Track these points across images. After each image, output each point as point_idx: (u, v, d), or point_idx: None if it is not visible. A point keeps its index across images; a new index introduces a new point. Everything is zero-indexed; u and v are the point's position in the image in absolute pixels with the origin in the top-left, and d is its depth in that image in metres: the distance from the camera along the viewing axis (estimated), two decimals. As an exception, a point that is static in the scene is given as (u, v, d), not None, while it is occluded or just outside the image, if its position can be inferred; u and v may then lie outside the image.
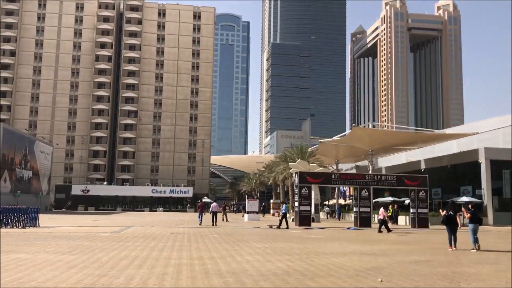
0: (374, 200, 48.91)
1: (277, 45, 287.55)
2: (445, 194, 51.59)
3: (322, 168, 56.53)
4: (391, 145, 57.55)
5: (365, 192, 37.12)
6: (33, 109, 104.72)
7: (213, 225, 34.23)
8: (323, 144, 62.25)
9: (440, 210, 19.66)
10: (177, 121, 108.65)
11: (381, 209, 30.75)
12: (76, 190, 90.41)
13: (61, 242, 17.73)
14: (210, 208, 37.61)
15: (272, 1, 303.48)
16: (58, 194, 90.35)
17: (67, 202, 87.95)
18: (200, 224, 34.66)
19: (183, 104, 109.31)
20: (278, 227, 32.18)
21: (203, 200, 48.36)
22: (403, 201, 50.07)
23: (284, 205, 35.41)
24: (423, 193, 37.24)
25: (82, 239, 19.31)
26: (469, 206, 19.46)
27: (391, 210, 41.34)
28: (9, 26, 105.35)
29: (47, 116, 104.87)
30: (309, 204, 37.37)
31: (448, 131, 67.57)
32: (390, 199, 52.92)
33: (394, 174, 43.51)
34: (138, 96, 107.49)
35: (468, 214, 17.88)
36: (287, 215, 34.16)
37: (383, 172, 61.41)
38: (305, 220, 35.65)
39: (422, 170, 54.11)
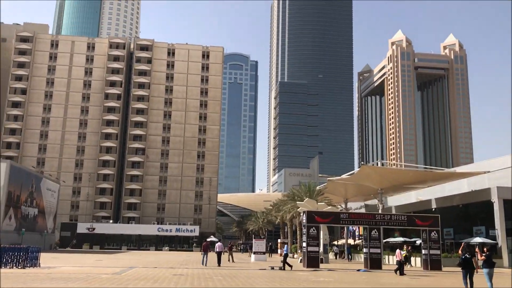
0: (384, 241, 47.68)
1: (285, 84, 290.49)
2: (457, 234, 50.21)
3: (330, 207, 55.51)
4: (401, 184, 56.62)
5: (375, 232, 36.12)
6: (42, 146, 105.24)
7: (218, 265, 33.26)
8: (332, 183, 61.43)
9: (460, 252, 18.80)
10: (185, 159, 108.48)
11: (398, 251, 29.88)
12: (82, 228, 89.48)
13: (59, 285, 17.01)
14: (215, 248, 36.74)
15: (280, 41, 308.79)
16: (63, 232, 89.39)
17: (72, 241, 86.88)
18: (204, 264, 33.71)
19: (191, 142, 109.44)
20: (282, 268, 31.20)
21: (208, 240, 47.34)
22: (414, 242, 48.73)
23: (285, 246, 34.57)
24: (435, 234, 36.15)
25: (81, 281, 18.57)
26: (484, 248, 18.59)
27: (405, 251, 40.14)
28: (21, 65, 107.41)
29: (55, 153, 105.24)
30: (318, 245, 36.36)
31: (458, 169, 66.57)
32: (400, 239, 51.58)
33: (404, 213, 42.46)
34: (146, 134, 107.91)
35: (483, 257, 17.01)
36: (288, 256, 33.25)
37: (393, 211, 60.20)
38: (313, 261, 34.57)
39: (433, 209, 52.92)
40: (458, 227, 51.07)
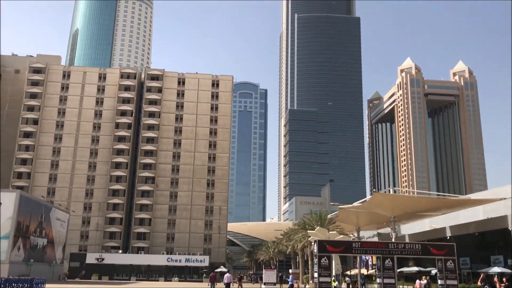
0: (398, 270, 46.28)
1: (294, 111, 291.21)
2: (474, 263, 48.66)
3: (342, 236, 54.34)
4: (414, 211, 55.44)
5: (389, 261, 35.02)
6: (52, 176, 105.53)
7: None
8: (343, 211, 60.39)
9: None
10: (194, 187, 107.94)
11: (418, 281, 28.92)
12: (91, 258, 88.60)
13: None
14: (224, 279, 35.87)
15: (289, 69, 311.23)
16: (72, 262, 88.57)
17: (81, 272, 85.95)
18: None
19: (201, 170, 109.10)
20: None
21: (217, 270, 46.40)
22: (430, 272, 47.25)
23: (290, 276, 33.65)
24: (451, 263, 34.93)
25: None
26: (503, 279, 17.68)
27: (425, 281, 38.78)
28: (33, 96, 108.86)
29: (66, 183, 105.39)
30: (330, 275, 35.26)
31: (473, 196, 65.18)
32: (415, 269, 50.13)
33: (419, 242, 41.27)
34: (156, 162, 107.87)
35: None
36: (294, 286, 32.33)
37: (407, 239, 58.79)
38: (325, 292, 33.44)
39: (448, 237, 51.54)
40: (474, 256, 49.54)
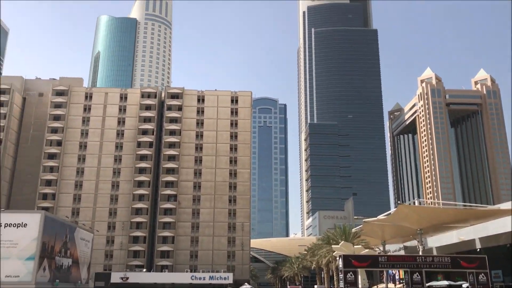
0: (427, 285, 44.91)
1: (315, 125, 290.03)
2: (507, 276, 46.97)
3: (368, 250, 53.23)
4: (441, 223, 54.07)
5: (417, 275, 34.10)
6: (76, 196, 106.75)
7: None
8: (368, 224, 59.28)
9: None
10: (216, 204, 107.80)
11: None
12: (116, 278, 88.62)
13: None
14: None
15: (308, 83, 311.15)
16: (97, 282, 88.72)
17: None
18: None
19: (222, 186, 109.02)
20: None
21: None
22: (461, 286, 45.75)
23: None
24: (483, 277, 33.82)
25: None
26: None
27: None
28: (57, 118, 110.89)
29: (89, 203, 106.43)
30: (356, 291, 34.41)
31: (502, 206, 63.26)
32: (445, 283, 48.52)
33: (448, 255, 40.12)
34: (178, 180, 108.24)
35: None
36: None
37: (434, 252, 57.26)
38: (352, 309, 32.60)
39: (478, 249, 49.97)
40: (507, 268, 47.87)
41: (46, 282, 62.57)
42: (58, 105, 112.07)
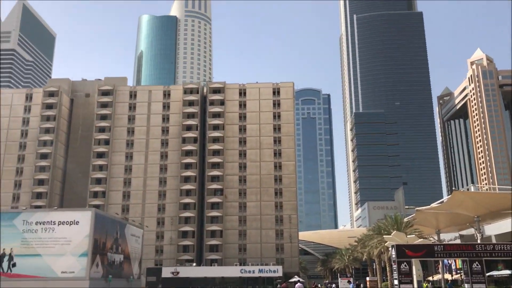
0: (487, 274, 42.31)
1: (360, 114, 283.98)
2: None
3: (421, 239, 50.81)
4: (499, 210, 50.83)
5: (477, 265, 31.87)
6: (126, 193, 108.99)
7: None
8: (421, 213, 56.74)
9: None
10: (262, 197, 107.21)
11: None
12: (166, 272, 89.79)
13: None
14: (296, 289, 34.58)
15: (352, 71, 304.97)
16: (149, 277, 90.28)
17: (157, 286, 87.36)
18: None
19: (267, 179, 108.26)
20: None
21: (292, 280, 44.88)
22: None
23: (351, 284, 31.45)
24: (551, 265, 31.12)
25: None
26: None
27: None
28: (104, 117, 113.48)
29: (139, 199, 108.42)
30: (411, 282, 32.59)
31: None
32: (507, 272, 45.68)
33: (510, 242, 37.41)
34: (223, 174, 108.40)
35: None
36: None
37: (493, 240, 54.06)
38: (408, 301, 30.89)
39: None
40: None
41: (100, 278, 64.04)
42: (104, 105, 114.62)
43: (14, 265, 61.54)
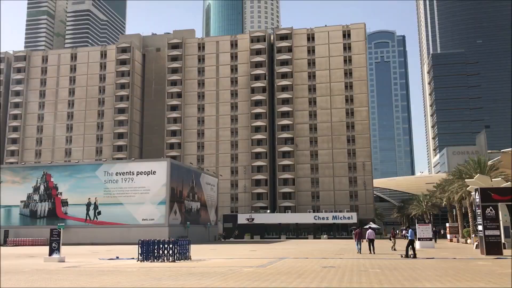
0: None
1: (438, 55, 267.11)
2: None
3: (509, 183, 47.24)
4: None
5: None
6: (200, 144, 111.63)
7: (370, 253, 31.85)
8: (507, 155, 52.72)
9: None
10: (334, 145, 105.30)
11: None
12: (242, 219, 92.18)
13: (191, 281, 15.48)
14: (366, 236, 33.77)
15: (428, 9, 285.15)
16: (226, 223, 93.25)
17: (234, 232, 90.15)
18: (359, 252, 32.62)
19: (339, 127, 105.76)
20: (406, 256, 27.15)
21: (367, 227, 43.93)
22: None
23: (410, 230, 29.53)
24: None
25: (218, 276, 16.91)
26: None
27: None
28: (175, 71, 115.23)
29: (212, 149, 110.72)
30: (497, 227, 30.30)
31: None
32: None
33: None
34: (293, 123, 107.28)
35: None
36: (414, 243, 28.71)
37: None
38: (494, 247, 28.85)
39: None
40: None
41: (178, 224, 66.80)
42: (174, 58, 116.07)
43: (99, 213, 65.64)
